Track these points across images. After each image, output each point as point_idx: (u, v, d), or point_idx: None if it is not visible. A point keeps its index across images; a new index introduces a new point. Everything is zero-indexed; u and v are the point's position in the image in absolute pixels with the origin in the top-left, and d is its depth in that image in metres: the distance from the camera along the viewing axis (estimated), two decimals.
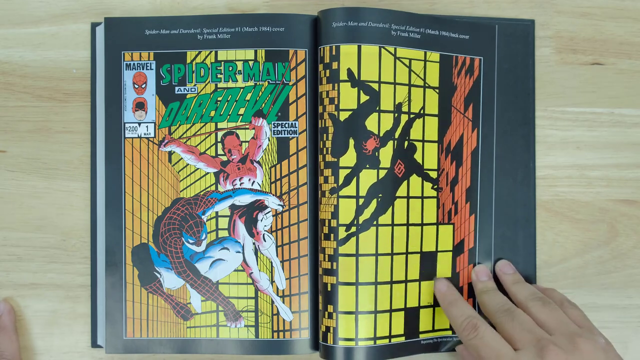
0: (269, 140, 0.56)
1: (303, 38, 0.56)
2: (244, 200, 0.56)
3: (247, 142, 0.56)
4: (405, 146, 0.55)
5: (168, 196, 0.56)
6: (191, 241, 0.56)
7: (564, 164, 0.59)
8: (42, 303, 0.57)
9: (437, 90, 0.56)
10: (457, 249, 0.57)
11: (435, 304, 0.56)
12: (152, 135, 0.56)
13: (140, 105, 0.56)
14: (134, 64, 0.56)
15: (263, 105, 0.56)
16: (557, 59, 0.60)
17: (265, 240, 0.56)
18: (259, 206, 0.56)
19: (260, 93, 0.56)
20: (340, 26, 0.54)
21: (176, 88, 0.56)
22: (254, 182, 0.56)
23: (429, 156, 0.56)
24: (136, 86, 0.56)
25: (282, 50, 0.56)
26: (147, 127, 0.56)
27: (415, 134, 0.56)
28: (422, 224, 0.56)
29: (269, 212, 0.56)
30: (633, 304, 0.59)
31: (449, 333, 0.57)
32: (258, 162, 0.56)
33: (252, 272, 0.56)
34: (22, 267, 0.57)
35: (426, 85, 0.56)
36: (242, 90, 0.56)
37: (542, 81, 0.59)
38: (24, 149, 0.58)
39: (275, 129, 0.56)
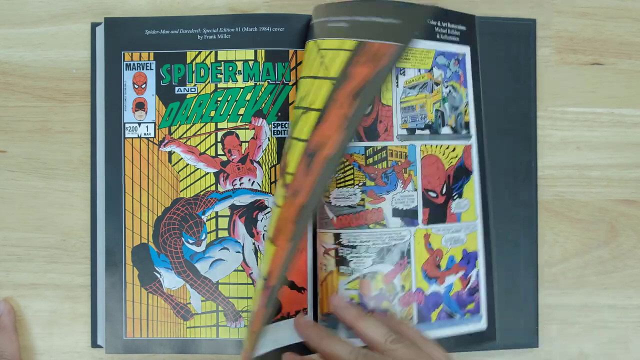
0: (269, 140, 0.56)
1: (303, 38, 0.56)
2: (244, 200, 0.56)
3: (247, 142, 0.56)
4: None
5: (168, 196, 0.56)
6: (191, 241, 0.56)
7: (564, 164, 0.59)
8: (42, 303, 0.57)
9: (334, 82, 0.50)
10: None
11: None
12: (152, 135, 0.56)
13: (140, 106, 0.56)
14: (134, 64, 0.56)
15: (263, 105, 0.56)
16: (557, 59, 0.60)
17: (265, 240, 0.56)
18: (259, 206, 0.56)
19: (260, 93, 0.56)
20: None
21: (176, 88, 0.56)
22: (253, 182, 0.56)
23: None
24: (136, 86, 0.56)
25: (282, 50, 0.56)
26: (147, 127, 0.56)
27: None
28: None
29: (269, 212, 0.56)
30: (633, 304, 0.59)
31: None
32: (258, 162, 0.56)
33: (252, 272, 0.56)
34: (22, 267, 0.57)
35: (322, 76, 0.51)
36: (242, 90, 0.56)
37: (542, 81, 0.59)
38: (24, 149, 0.58)
39: (275, 129, 0.56)
